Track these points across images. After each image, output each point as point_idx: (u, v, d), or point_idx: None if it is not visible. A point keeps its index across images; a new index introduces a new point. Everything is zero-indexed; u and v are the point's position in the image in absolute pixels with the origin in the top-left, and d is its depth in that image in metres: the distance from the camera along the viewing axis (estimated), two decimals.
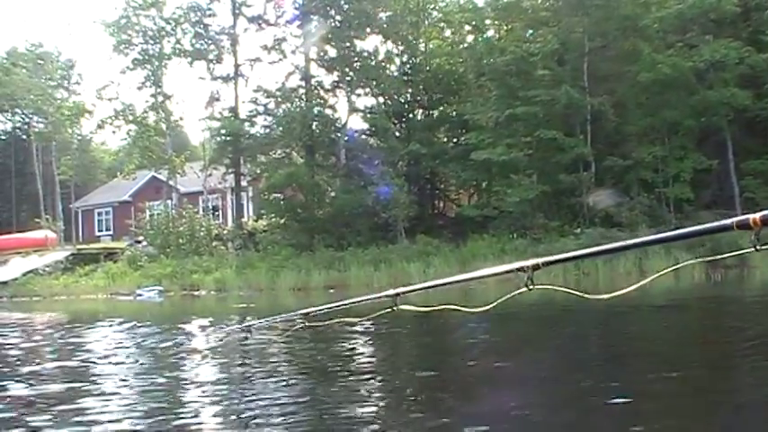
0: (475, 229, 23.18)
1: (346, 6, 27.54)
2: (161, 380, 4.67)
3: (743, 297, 12.07)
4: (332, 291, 17.78)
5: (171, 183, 31.68)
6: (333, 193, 26.96)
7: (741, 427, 3.05)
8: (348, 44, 27.71)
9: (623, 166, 22.70)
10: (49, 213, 37.38)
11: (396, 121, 28.66)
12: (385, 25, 28.35)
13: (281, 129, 27.78)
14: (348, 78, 27.94)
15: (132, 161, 32.58)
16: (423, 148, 25.96)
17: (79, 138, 42.42)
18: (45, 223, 34.13)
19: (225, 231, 29.68)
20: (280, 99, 28.11)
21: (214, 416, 3.49)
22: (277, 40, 28.86)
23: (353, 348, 6.31)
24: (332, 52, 28.06)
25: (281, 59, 29.06)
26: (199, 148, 40.30)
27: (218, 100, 30.04)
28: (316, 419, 3.33)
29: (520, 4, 26.27)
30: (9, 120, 46.86)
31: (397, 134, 28.47)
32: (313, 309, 4.72)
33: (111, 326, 10.21)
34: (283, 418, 3.30)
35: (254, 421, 3.27)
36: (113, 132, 33.89)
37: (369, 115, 28.32)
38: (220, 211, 35.02)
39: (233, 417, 3.45)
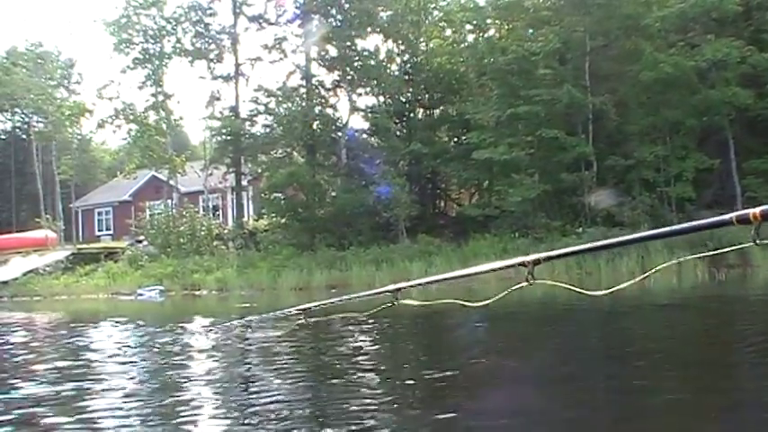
0: (476, 229, 23.15)
1: (347, 5, 27.50)
2: (166, 379, 4.67)
3: (746, 296, 12.06)
4: (334, 290, 17.74)
5: (171, 182, 31.63)
6: (334, 193, 26.92)
7: (742, 426, 3.03)
8: (349, 43, 27.67)
9: (625, 166, 22.66)
10: (49, 213, 37.36)
11: (397, 121, 28.60)
12: (386, 24, 28.30)
13: (281, 128, 27.74)
14: (349, 78, 27.89)
15: (133, 161, 32.53)
16: (424, 147, 25.91)
17: (79, 137, 42.39)
18: (45, 223, 34.12)
19: (225, 231, 29.64)
20: (280, 98, 28.07)
21: (218, 413, 3.51)
22: (278, 40, 28.84)
23: (355, 347, 6.32)
24: (333, 51, 28.01)
25: (281, 59, 29.09)
26: (199, 147, 40.30)
27: (218, 99, 30.05)
28: (318, 416, 3.34)
29: (521, 3, 26.22)
30: (9, 119, 46.83)
31: (398, 133, 28.43)
32: (313, 304, 4.72)
33: (115, 325, 10.19)
34: (286, 414, 3.31)
35: (257, 418, 3.27)
36: (114, 132, 33.97)
37: (370, 115, 28.28)
38: (220, 211, 34.99)
39: (236, 415, 3.45)
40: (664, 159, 22.47)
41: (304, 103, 27.64)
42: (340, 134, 27.71)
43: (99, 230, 40.75)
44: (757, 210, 1.91)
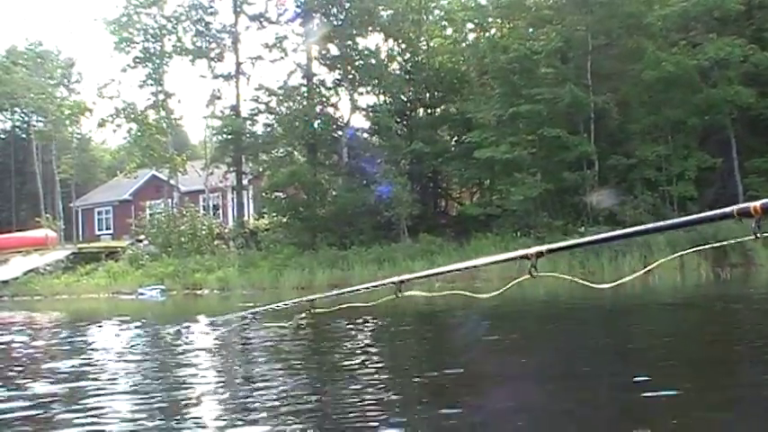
0: (478, 228, 23.12)
1: (348, 4, 27.46)
2: (173, 376, 4.68)
3: (749, 295, 12.04)
4: (336, 289, 17.71)
5: (172, 182, 31.59)
6: (335, 192, 26.89)
7: (744, 423, 3.02)
8: (350, 42, 27.65)
9: (627, 165, 22.65)
10: (49, 212, 37.34)
11: (398, 120, 28.58)
12: (387, 23, 28.28)
13: (282, 127, 27.71)
14: (350, 77, 27.86)
15: (133, 160, 32.48)
16: (425, 146, 25.89)
17: (79, 136, 42.37)
18: (45, 222, 34.10)
19: (226, 230, 29.60)
20: (281, 97, 28.05)
21: (223, 410, 3.52)
22: (278, 39, 28.82)
23: (358, 345, 6.33)
24: (334, 50, 28.00)
25: (282, 58, 29.09)
26: (199, 146, 40.27)
27: (219, 98, 30.02)
28: (321, 414, 3.35)
29: (523, 2, 26.23)
30: (9, 118, 46.78)
31: (400, 133, 28.40)
32: (318, 296, 4.70)
33: (119, 325, 10.15)
34: (291, 411, 3.32)
35: (261, 414, 3.30)
36: (114, 131, 33.87)
37: (371, 114, 28.24)
38: (221, 210, 34.95)
39: (241, 411, 3.45)
40: (666, 158, 22.46)
41: (305, 102, 27.60)
42: (341, 133, 27.67)
43: (99, 230, 40.71)
44: (758, 203, 1.92)
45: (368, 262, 21.62)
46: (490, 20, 28.69)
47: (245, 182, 30.72)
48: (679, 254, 3.07)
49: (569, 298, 13.22)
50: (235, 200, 31.49)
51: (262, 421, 3.16)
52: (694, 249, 3.02)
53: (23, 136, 44.72)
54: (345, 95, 28.55)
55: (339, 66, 27.89)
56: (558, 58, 24.54)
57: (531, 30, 26.36)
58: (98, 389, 4.10)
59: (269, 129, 28.65)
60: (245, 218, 30.86)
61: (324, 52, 28.21)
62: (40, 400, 3.79)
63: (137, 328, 9.52)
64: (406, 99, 29.18)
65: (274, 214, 27.72)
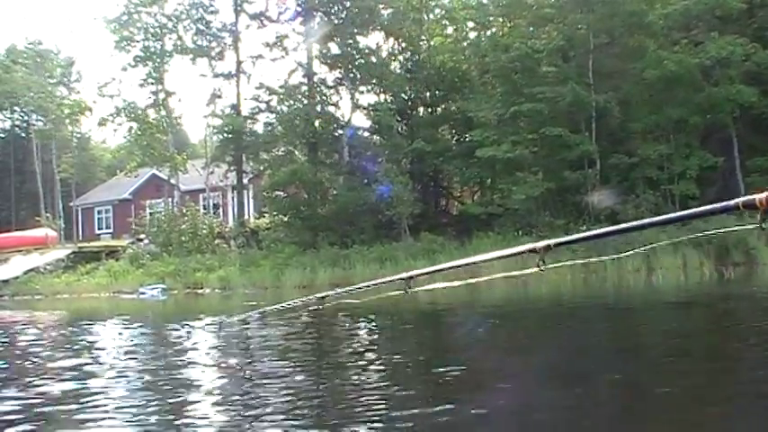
0: (479, 227, 23.09)
1: (348, 3, 27.41)
2: (181, 374, 4.70)
3: (752, 294, 12.03)
4: (338, 288, 17.69)
5: (172, 181, 31.53)
6: (336, 191, 26.84)
7: (745, 420, 3.03)
8: (351, 41, 27.59)
9: (628, 164, 22.62)
10: (48, 211, 37.27)
11: (399, 119, 28.53)
12: (387, 22, 28.21)
13: (283, 126, 27.65)
14: (351, 75, 27.81)
15: (134, 159, 32.41)
16: (427, 145, 25.86)
17: (79, 136, 42.30)
18: (45, 221, 34.03)
19: (227, 229, 29.55)
20: (282, 96, 27.98)
21: (229, 407, 3.55)
22: (279, 37, 28.75)
23: (361, 344, 6.35)
24: (334, 49, 27.93)
25: (283, 56, 29.01)
26: (198, 145, 40.21)
27: (219, 97, 29.95)
28: (324, 412, 3.38)
29: (524, 0, 26.15)
30: (8, 117, 46.71)
31: (401, 131, 28.35)
32: (329, 293, 4.68)
33: (122, 324, 10.13)
34: (295, 408, 3.39)
35: (264, 411, 3.34)
36: (115, 130, 33.81)
37: (372, 112, 28.19)
38: (221, 209, 34.91)
39: (246, 409, 3.48)
40: (667, 157, 22.44)
41: (306, 101, 27.54)
42: (342, 132, 27.63)
43: (99, 229, 40.65)
44: (763, 195, 1.91)
45: (369, 261, 21.59)
46: (491, 18, 28.66)
47: (245, 181, 30.68)
48: (672, 240, 3.27)
49: (572, 297, 13.22)
50: (235, 199, 31.44)
51: (264, 419, 3.16)
52: (691, 236, 3.03)
53: (23, 135, 44.64)
54: (346, 94, 28.52)
55: (340, 64, 27.83)
56: (560, 56, 24.50)
57: (531, 29, 26.33)
58: (106, 387, 4.10)
59: (269, 128, 28.58)
60: (246, 217, 30.82)
61: (324, 51, 28.15)
62: (52, 398, 3.78)
63: (142, 327, 9.50)
64: (407, 98, 29.14)
65: (275, 213, 27.67)
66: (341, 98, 28.74)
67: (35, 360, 5.85)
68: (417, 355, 5.59)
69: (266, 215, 29.29)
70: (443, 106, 29.58)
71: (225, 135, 28.96)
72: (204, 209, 31.78)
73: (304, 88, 28.09)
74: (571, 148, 22.82)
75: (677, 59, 21.75)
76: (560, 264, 2.89)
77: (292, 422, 3.09)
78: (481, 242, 21.81)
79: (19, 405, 3.54)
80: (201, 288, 22.31)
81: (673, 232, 19.95)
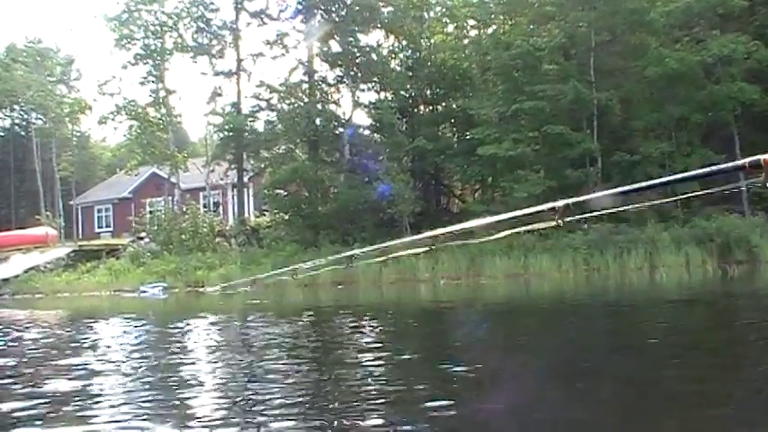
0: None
1: (349, 1, 27.35)
2: (188, 372, 4.69)
3: (754, 292, 12.04)
4: (340, 286, 17.65)
5: (173, 179, 31.48)
6: (336, 189, 26.79)
7: (746, 421, 3.00)
8: (351, 39, 27.53)
9: (630, 162, 22.58)
10: (48, 210, 37.22)
11: (400, 117, 28.49)
12: (388, 20, 28.16)
13: (283, 124, 27.61)
14: (352, 73, 27.76)
15: (134, 157, 32.35)
16: (428, 143, 25.83)
17: (78, 134, 42.25)
18: (45, 220, 33.97)
19: (227, 228, 29.50)
20: (283, 94, 27.93)
21: (233, 405, 3.54)
22: (280, 35, 28.69)
23: (364, 343, 6.31)
24: (335, 47, 27.89)
25: (283, 54, 28.94)
26: (198, 144, 40.16)
27: (220, 95, 29.90)
28: (323, 409, 3.39)
29: None
30: (8, 116, 46.65)
31: (402, 129, 28.31)
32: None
33: (126, 322, 10.11)
34: (298, 406, 3.39)
35: (267, 409, 3.34)
36: (115, 129, 33.75)
37: (373, 110, 28.15)
38: (221, 208, 34.86)
39: (247, 407, 3.48)
40: (669, 155, 22.43)
41: (306, 99, 27.50)
42: (343, 130, 27.58)
43: (98, 227, 40.59)
44: None
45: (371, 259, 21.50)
46: (492, 16, 28.62)
47: (245, 179, 30.64)
48: (655, 201, 3.18)
49: (575, 295, 13.22)
50: (235, 197, 31.40)
51: (266, 416, 3.17)
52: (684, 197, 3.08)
53: (23, 133, 44.57)
54: (347, 92, 28.48)
55: (341, 62, 27.79)
56: (561, 54, 24.51)
57: (532, 26, 26.30)
58: (114, 384, 4.09)
59: (270, 126, 28.54)
60: (246, 215, 30.78)
61: (325, 49, 28.10)
62: (62, 395, 3.77)
63: (145, 325, 9.48)
64: (407, 96, 29.11)
65: (276, 211, 27.63)
66: (342, 96, 28.76)
67: (42, 358, 5.83)
68: (419, 353, 5.58)
69: (267, 213, 29.24)
70: (444, 104, 29.56)
71: (225, 133, 28.90)
72: (204, 207, 31.71)
73: (305, 86, 28.05)
74: (572, 145, 22.81)
75: (679, 57, 21.74)
76: (578, 216, 2.88)
77: (294, 420, 3.10)
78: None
79: (29, 403, 3.52)
80: (202, 286, 22.25)
81: (676, 230, 19.97)
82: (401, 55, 29.64)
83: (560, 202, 2.71)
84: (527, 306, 11.37)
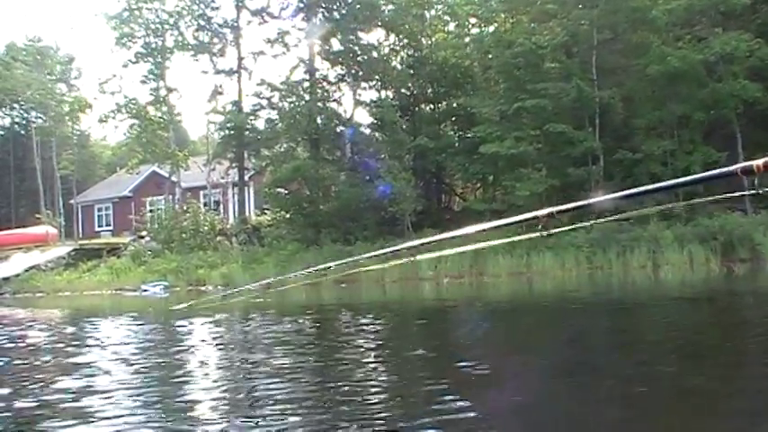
0: (482, 223, 23.01)
1: None
2: (194, 370, 4.69)
3: (756, 290, 12.03)
4: (343, 285, 17.60)
5: (173, 178, 31.45)
6: (338, 188, 26.76)
7: (746, 419, 2.99)
8: (352, 37, 27.49)
9: (632, 160, 22.53)
10: (48, 209, 37.18)
11: (401, 115, 28.46)
12: (389, 18, 28.13)
13: (284, 123, 27.57)
14: (353, 72, 27.72)
15: (135, 156, 32.31)
16: (429, 141, 25.80)
17: (79, 133, 42.20)
18: (45, 219, 33.94)
19: (228, 226, 29.48)
20: (284, 93, 27.89)
21: (236, 404, 3.56)
22: (281, 34, 28.66)
23: (366, 342, 6.30)
24: (336, 45, 27.85)
25: (284, 53, 28.91)
26: (198, 143, 40.11)
27: (221, 94, 29.90)
28: (327, 408, 3.39)
29: None
30: (8, 115, 46.61)
31: (403, 128, 28.29)
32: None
33: (128, 320, 10.08)
34: (300, 404, 3.41)
35: (271, 407, 3.37)
36: (115, 127, 33.72)
37: (374, 109, 28.12)
38: (221, 206, 34.84)
39: (250, 405, 3.51)
40: (671, 153, 22.39)
41: (308, 98, 27.45)
42: (344, 128, 27.56)
43: (99, 226, 40.55)
44: (760, 161, 1.97)
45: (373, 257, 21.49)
46: (494, 14, 28.56)
47: (246, 178, 30.61)
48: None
49: (578, 293, 13.18)
50: (236, 196, 31.37)
51: (271, 414, 3.18)
52: (683, 203, 3.02)
53: (23, 132, 44.53)
54: (348, 91, 28.46)
55: (342, 61, 27.75)
56: (563, 52, 24.45)
57: (534, 24, 26.23)
58: (121, 382, 4.07)
59: (271, 124, 28.50)
60: (247, 214, 30.76)
61: (326, 47, 28.06)
62: (70, 393, 3.76)
63: (148, 324, 9.45)
64: (409, 94, 29.08)
65: (277, 210, 27.60)
66: (343, 94, 28.71)
67: (47, 357, 5.81)
68: (423, 352, 5.57)
69: (268, 212, 29.21)
70: (446, 102, 29.52)
71: (226, 131, 28.88)
72: (205, 206, 31.68)
73: (306, 85, 28.00)
74: (575, 144, 22.76)
75: (681, 55, 21.68)
76: (561, 229, 2.86)
77: (298, 417, 3.12)
78: (484, 239, 21.75)
79: (38, 401, 3.50)
80: (204, 285, 22.23)
81: (679, 229, 19.91)
82: (402, 53, 29.59)
83: (544, 211, 2.65)
84: (530, 304, 11.35)
